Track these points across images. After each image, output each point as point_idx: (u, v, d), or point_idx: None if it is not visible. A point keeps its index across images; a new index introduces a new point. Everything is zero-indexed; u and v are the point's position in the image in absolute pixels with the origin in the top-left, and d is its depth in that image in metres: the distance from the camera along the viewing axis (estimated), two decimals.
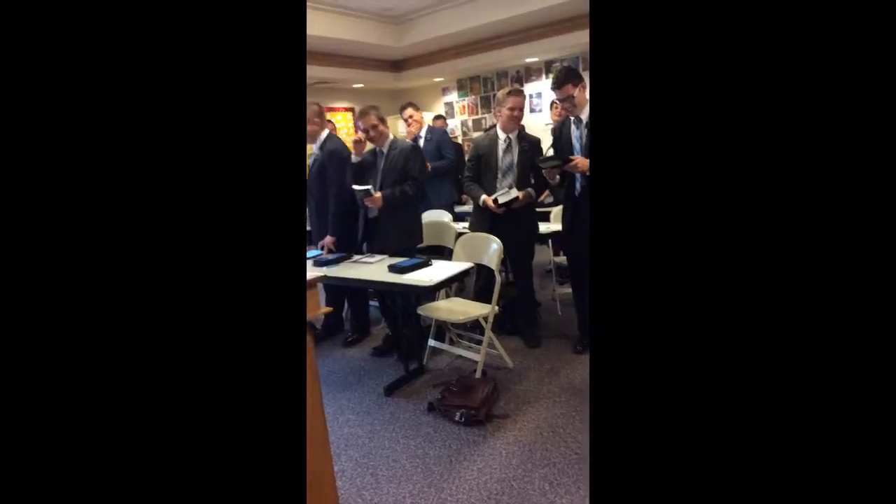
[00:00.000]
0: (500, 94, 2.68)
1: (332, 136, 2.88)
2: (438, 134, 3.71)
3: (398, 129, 6.58)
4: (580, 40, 5.13)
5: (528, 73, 6.65)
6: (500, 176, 2.65)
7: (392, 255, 2.58)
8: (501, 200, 2.53)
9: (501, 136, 2.67)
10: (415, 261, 2.37)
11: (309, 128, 2.69)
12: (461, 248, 2.61)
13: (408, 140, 3.47)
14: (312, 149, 2.84)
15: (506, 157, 2.66)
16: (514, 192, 2.53)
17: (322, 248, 2.80)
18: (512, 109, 2.58)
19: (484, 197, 2.61)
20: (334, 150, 2.75)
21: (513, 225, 2.59)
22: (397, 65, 6.67)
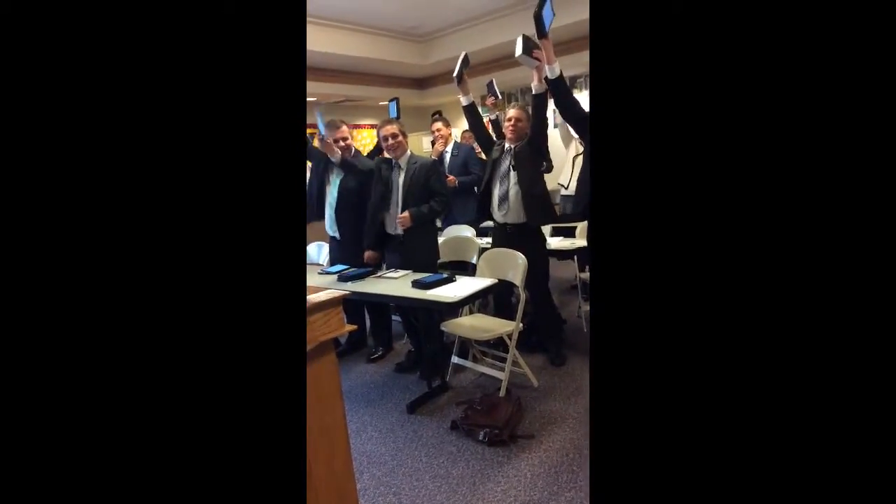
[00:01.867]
0: None
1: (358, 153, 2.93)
2: (465, 150, 3.71)
3: (422, 145, 6.64)
4: None
5: None
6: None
7: (416, 270, 2.58)
8: None
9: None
10: (438, 276, 2.36)
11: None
12: (485, 263, 2.59)
13: (433, 156, 3.49)
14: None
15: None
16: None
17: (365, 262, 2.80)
18: (510, 120, 2.66)
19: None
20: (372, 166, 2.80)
21: (521, 241, 2.58)
22: (422, 82, 6.75)
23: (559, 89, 2.29)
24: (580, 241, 3.11)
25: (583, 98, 3.41)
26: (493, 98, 3.35)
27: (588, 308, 3.24)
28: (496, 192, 2.69)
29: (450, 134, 3.71)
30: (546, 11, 2.10)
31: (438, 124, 3.62)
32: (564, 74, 2.29)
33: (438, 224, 3.11)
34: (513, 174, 2.62)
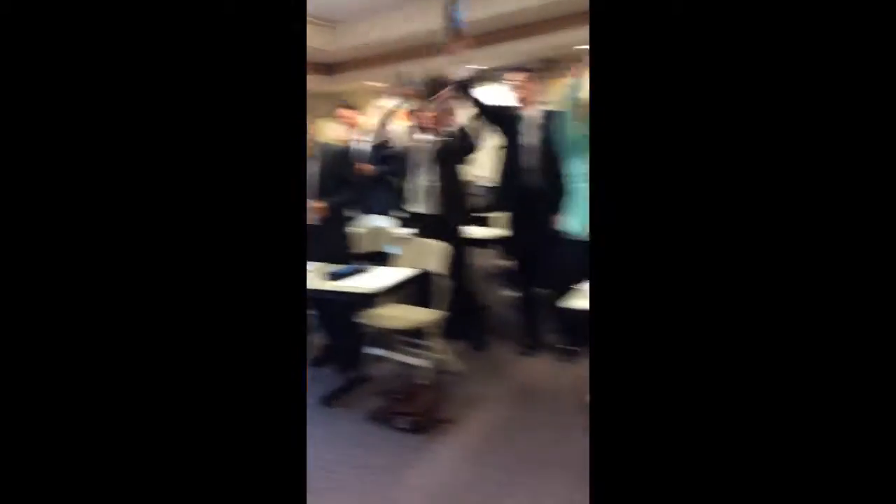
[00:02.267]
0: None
1: None
2: (383, 138, 3.62)
3: (331, 132, 6.42)
4: (524, 47, 5.10)
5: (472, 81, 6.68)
6: None
7: (329, 262, 2.48)
8: None
9: None
10: (353, 267, 2.30)
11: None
12: (404, 253, 2.56)
13: (343, 144, 3.38)
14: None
15: None
16: None
17: None
18: (432, 113, 2.69)
19: None
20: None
21: (439, 231, 2.58)
22: (331, 67, 6.51)
23: (465, 91, 2.47)
24: (497, 230, 3.17)
25: (492, 91, 3.42)
26: (411, 88, 3.29)
27: (507, 294, 3.32)
28: (414, 184, 2.66)
29: (357, 120, 3.62)
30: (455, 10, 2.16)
31: (344, 110, 3.53)
32: (481, 67, 2.34)
33: (352, 214, 3.01)
34: (432, 167, 2.60)
